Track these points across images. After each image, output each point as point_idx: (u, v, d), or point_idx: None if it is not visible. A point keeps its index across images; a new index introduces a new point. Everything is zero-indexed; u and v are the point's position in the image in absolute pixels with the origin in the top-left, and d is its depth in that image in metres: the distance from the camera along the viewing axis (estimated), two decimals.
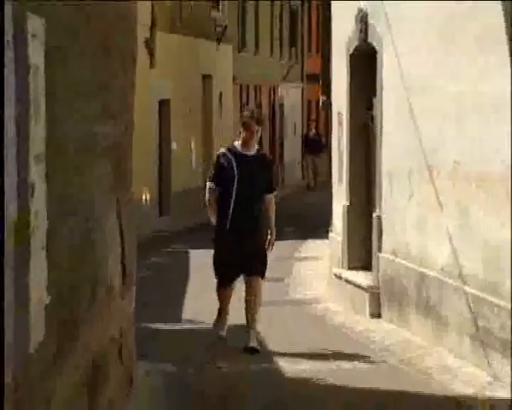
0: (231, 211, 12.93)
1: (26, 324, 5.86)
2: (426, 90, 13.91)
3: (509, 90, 11.35)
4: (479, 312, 12.10)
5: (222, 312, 13.26)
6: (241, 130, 13.36)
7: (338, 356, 13.10)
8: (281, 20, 48.29)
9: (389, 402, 11.04)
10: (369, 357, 13.27)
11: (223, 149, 13.74)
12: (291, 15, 49.73)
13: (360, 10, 16.41)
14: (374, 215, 16.06)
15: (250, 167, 13.03)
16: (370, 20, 16.10)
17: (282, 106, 47.39)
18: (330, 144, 20.02)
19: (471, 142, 12.37)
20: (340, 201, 18.00)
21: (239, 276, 13.16)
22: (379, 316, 15.65)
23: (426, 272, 13.85)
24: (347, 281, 17.02)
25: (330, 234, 18.91)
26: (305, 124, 50.14)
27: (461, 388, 11.47)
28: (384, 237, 15.67)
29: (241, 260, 12.99)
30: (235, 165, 12.94)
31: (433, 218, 13.58)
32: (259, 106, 43.64)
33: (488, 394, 11.11)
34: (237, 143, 13.44)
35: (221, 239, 13.17)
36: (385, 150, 15.73)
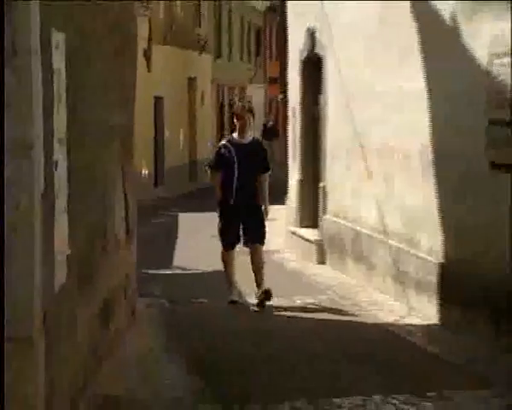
0: (234, 189, 11.94)
1: (52, 270, 6.02)
2: (359, 88, 14.07)
3: (425, 87, 11.51)
4: (398, 259, 12.32)
5: (230, 280, 12.42)
6: (235, 121, 12.39)
7: (293, 293, 13.25)
8: (248, 35, 48.42)
9: (331, 326, 11.24)
10: (316, 294, 13.48)
11: (223, 141, 12.66)
12: (256, 31, 49.74)
13: (309, 28, 16.58)
14: (320, 186, 16.25)
15: (247, 153, 11.98)
16: (317, 35, 16.27)
17: (250, 103, 47.39)
18: (287, 132, 20.04)
19: (395, 128, 12.48)
20: (294, 175, 18.17)
21: (239, 242, 12.38)
22: (323, 263, 15.84)
23: (359, 230, 14.07)
24: (300, 236, 17.20)
25: (287, 201, 19.07)
26: (270, 116, 50.03)
27: (385, 316, 11.69)
28: (327, 202, 15.87)
29: (245, 231, 12.19)
30: (234, 153, 11.95)
31: (365, 187, 13.75)
32: (232, 102, 43.76)
33: (406, 321, 11.34)
34: (235, 135, 12.35)
35: (226, 212, 12.08)
36: (328, 135, 15.91)
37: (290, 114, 18.78)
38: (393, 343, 10.33)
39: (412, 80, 11.83)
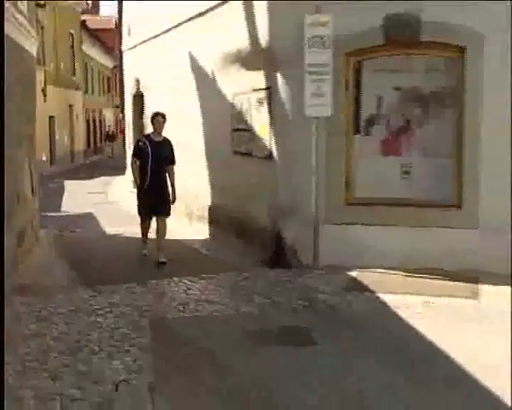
0: (149, 175, 9.19)
1: None
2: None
3: (200, 113, 11.57)
4: (190, 204, 12.40)
5: (144, 239, 9.69)
6: (152, 124, 9.51)
7: (128, 224, 13.08)
8: (103, 80, 47.18)
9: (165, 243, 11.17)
10: None
11: (141, 137, 10.20)
12: (107, 78, 48.57)
13: (136, 77, 16.40)
14: None
15: (158, 148, 9.21)
16: (140, 81, 16.11)
17: (104, 119, 46.21)
18: (125, 136, 19.77)
19: (187, 135, 12.08)
20: (128, 160, 17.90)
21: (153, 215, 9.59)
22: None
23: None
24: (134, 192, 16.99)
25: (126, 173, 18.81)
26: (114, 127, 48.94)
27: (186, 237, 11.50)
28: None
29: (156, 206, 9.32)
30: (149, 147, 9.16)
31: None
32: (94, 119, 42.69)
33: (193, 238, 11.32)
34: (150, 133, 9.56)
35: (143, 193, 9.40)
36: None
37: (127, 126, 18.56)
38: (186, 249, 10.38)
39: (193, 110, 11.80)
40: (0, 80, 4.96)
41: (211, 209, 11.15)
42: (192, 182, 12.16)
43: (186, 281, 7.90)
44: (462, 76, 7.84)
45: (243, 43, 9.44)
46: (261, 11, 8.86)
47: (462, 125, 7.87)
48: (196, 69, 11.69)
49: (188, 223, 12.32)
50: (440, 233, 7.87)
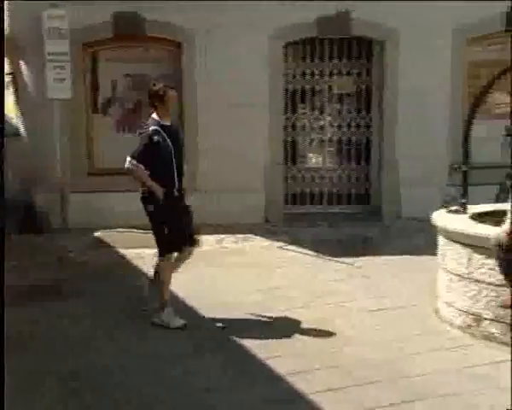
0: (176, 179, 4.84)
1: None
2: None
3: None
4: None
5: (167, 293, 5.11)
6: (161, 103, 4.76)
7: None
8: None
9: None
10: None
11: (154, 127, 4.74)
12: None
13: None
14: None
15: (176, 137, 4.90)
16: None
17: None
18: None
19: None
20: None
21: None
22: None
23: None
24: None
25: None
26: None
27: None
28: None
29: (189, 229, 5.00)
30: (168, 140, 4.75)
31: None
32: None
33: None
34: (155, 118, 4.80)
35: (173, 208, 4.82)
36: None
37: None
38: None
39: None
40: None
41: None
42: None
43: None
44: (179, 65, 8.50)
45: None
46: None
47: (182, 106, 8.52)
48: None
49: None
50: None
